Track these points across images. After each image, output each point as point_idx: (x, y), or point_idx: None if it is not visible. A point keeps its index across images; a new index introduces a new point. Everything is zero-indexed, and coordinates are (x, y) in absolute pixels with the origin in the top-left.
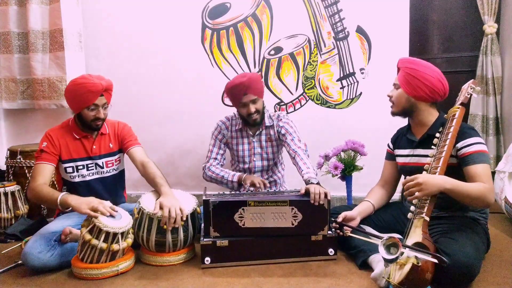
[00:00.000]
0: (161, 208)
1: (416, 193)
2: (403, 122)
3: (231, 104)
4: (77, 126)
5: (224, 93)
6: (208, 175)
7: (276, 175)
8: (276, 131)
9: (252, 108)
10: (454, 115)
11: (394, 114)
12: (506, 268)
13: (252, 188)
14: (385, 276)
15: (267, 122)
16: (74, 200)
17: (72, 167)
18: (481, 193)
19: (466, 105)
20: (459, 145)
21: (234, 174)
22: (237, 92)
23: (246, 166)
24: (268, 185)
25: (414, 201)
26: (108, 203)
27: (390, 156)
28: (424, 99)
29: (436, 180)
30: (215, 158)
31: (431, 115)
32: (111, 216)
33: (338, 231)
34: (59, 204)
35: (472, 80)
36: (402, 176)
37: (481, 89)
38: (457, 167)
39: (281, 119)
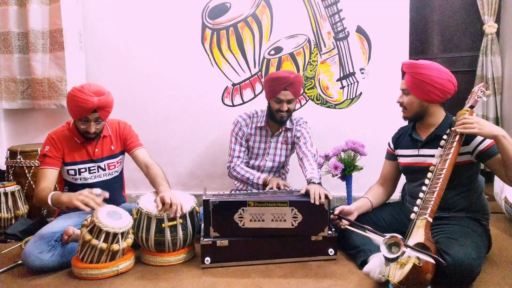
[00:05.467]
0: (162, 203)
1: (475, 129)
2: (404, 122)
3: (231, 104)
4: (77, 131)
5: (265, 82)
6: (234, 175)
7: (280, 177)
8: (293, 134)
9: (285, 107)
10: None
11: (406, 119)
12: (506, 268)
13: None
14: (385, 275)
15: (288, 124)
16: (65, 196)
17: (75, 170)
18: None
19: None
20: (473, 143)
21: (259, 176)
22: (278, 85)
23: (257, 163)
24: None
25: (418, 201)
26: (97, 190)
27: (390, 156)
28: (436, 101)
29: (493, 126)
30: (238, 157)
31: (439, 116)
32: (111, 215)
33: (337, 221)
34: (50, 202)
35: (483, 83)
36: (403, 176)
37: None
38: (468, 165)
39: (300, 124)
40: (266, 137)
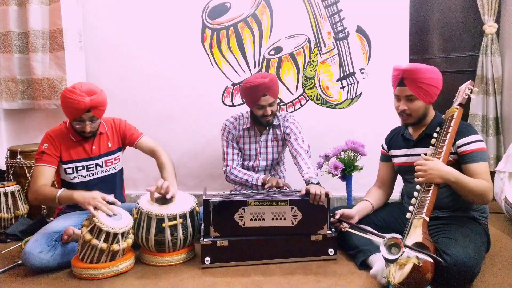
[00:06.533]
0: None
1: (420, 178)
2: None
3: (231, 104)
4: (73, 130)
5: (241, 91)
6: (232, 178)
7: (278, 174)
8: (282, 131)
9: (269, 110)
10: (452, 116)
11: (409, 124)
12: (506, 268)
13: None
14: (386, 276)
15: (275, 121)
16: (79, 195)
17: (72, 168)
18: (483, 190)
19: (464, 105)
20: (458, 142)
21: (258, 177)
22: (256, 93)
23: (251, 164)
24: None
25: (412, 201)
26: (110, 197)
27: (385, 158)
28: (434, 101)
29: (442, 171)
30: (233, 160)
31: (430, 115)
32: (112, 215)
33: (338, 223)
34: (58, 199)
35: (470, 81)
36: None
37: (481, 89)
38: (455, 164)
39: (287, 119)
40: (255, 137)
